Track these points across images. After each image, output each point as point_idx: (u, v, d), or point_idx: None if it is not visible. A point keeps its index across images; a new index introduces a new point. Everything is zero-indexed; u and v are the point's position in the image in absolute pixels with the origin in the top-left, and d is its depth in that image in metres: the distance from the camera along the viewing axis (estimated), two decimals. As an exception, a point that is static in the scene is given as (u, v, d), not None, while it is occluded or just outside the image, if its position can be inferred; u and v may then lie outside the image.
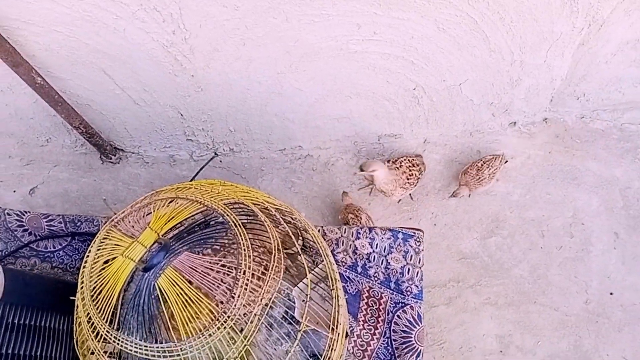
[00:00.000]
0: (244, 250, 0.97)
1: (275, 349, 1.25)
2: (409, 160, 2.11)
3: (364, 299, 1.51)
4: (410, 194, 2.24)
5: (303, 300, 1.20)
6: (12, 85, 1.99)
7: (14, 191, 2.37)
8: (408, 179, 2.07)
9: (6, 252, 1.58)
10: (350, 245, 1.59)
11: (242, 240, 0.98)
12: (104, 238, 1.04)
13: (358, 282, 1.54)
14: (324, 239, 1.55)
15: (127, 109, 2.09)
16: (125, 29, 1.66)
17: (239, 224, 1.00)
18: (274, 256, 1.00)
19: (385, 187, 2.05)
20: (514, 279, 2.20)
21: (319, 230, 1.59)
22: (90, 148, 2.34)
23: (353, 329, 1.45)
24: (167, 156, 2.41)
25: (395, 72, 1.96)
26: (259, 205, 1.17)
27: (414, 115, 2.21)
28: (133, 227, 1.03)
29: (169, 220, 1.01)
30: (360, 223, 2.06)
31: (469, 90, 2.07)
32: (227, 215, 1.02)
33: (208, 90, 1.98)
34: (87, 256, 1.04)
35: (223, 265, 1.00)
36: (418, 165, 2.15)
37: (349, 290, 1.52)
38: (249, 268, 0.96)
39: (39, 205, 2.35)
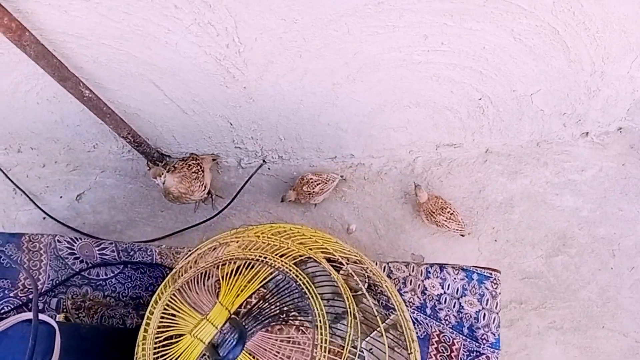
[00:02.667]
0: (320, 324, 0.87)
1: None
2: (182, 160, 2.06)
3: (433, 344, 1.40)
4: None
5: (372, 352, 1.10)
6: (57, 95, 1.94)
7: (61, 197, 2.34)
8: (193, 174, 2.00)
9: (57, 281, 1.53)
10: (419, 285, 1.47)
11: (317, 311, 0.88)
12: (168, 304, 0.96)
13: (427, 324, 1.43)
14: (390, 277, 1.44)
15: (175, 118, 2.01)
16: (177, 42, 1.56)
17: (314, 294, 0.91)
18: (350, 322, 0.91)
19: (179, 190, 1.95)
20: (581, 302, 2.05)
21: (384, 269, 1.48)
22: (137, 154, 2.29)
23: (422, 377, 1.35)
24: (215, 163, 2.33)
25: (460, 82, 1.81)
26: (329, 256, 1.06)
27: (476, 125, 2.06)
28: (198, 295, 0.95)
29: (239, 294, 0.92)
30: (456, 222, 1.95)
31: (541, 101, 1.91)
32: (301, 281, 0.93)
33: (260, 101, 1.88)
34: (148, 320, 0.96)
35: (298, 343, 0.91)
36: (195, 159, 2.09)
37: (417, 333, 1.41)
38: (325, 342, 0.87)
39: (86, 211, 2.32)
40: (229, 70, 1.69)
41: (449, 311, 1.44)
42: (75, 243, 1.58)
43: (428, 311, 1.44)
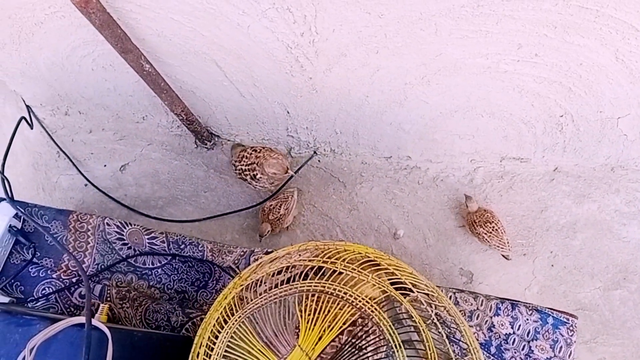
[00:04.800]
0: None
1: None
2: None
3: (493, 385, 1.30)
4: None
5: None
6: (114, 64, 1.86)
7: (105, 165, 2.29)
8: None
9: (103, 266, 1.47)
10: (487, 321, 1.36)
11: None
12: (236, 333, 0.87)
13: (489, 363, 1.33)
14: (456, 308, 1.34)
15: (231, 100, 1.92)
16: (249, 25, 1.45)
17: (398, 344, 0.81)
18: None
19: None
20: (635, 341, 1.93)
21: (450, 297, 1.37)
22: (185, 130, 2.21)
23: (481, 421, 1.25)
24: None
25: (545, 96, 1.66)
26: (407, 291, 0.96)
27: (551, 142, 1.91)
28: (273, 330, 0.86)
29: (321, 337, 0.83)
30: (499, 239, 1.85)
31: (626, 125, 1.75)
32: (384, 326, 0.83)
33: (323, 93, 1.77)
34: (211, 342, 0.87)
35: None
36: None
37: (478, 371, 1.31)
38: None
39: (129, 182, 2.27)
40: (298, 59, 1.58)
41: (515, 353, 1.33)
42: (125, 228, 1.51)
43: (492, 350, 1.34)
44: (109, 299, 1.40)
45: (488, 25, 1.37)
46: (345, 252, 0.96)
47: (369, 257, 0.98)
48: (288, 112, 1.94)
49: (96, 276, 1.45)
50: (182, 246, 1.47)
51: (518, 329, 1.35)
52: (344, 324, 0.85)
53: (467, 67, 1.57)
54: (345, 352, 0.83)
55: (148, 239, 1.49)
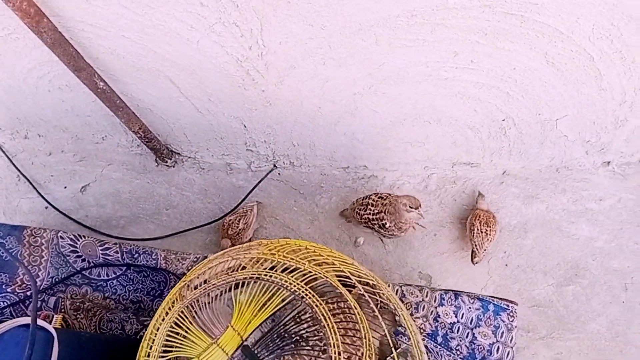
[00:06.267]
0: (335, 355, 0.82)
1: None
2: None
3: (442, 374, 1.35)
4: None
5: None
6: (70, 84, 1.90)
7: (65, 187, 2.29)
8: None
9: (57, 279, 1.47)
10: (432, 311, 1.42)
11: (334, 341, 0.83)
12: (175, 322, 0.90)
13: (437, 353, 1.38)
14: (402, 301, 1.39)
15: (188, 116, 1.96)
16: (199, 40, 1.51)
17: (330, 323, 0.85)
18: (366, 353, 0.85)
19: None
20: (590, 334, 2.00)
21: (396, 291, 1.43)
22: (145, 149, 2.23)
23: (430, 408, 1.29)
24: (224, 164, 2.27)
25: (485, 101, 1.75)
26: (344, 279, 1.01)
27: (496, 146, 2.00)
28: (209, 316, 0.89)
29: (253, 318, 0.87)
30: (483, 242, 1.93)
31: (565, 126, 1.86)
32: (317, 307, 0.87)
33: (277, 106, 1.83)
34: (152, 335, 0.90)
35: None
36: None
37: (427, 361, 1.36)
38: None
39: (90, 203, 2.27)
40: (249, 73, 1.64)
41: (461, 341, 1.38)
42: (79, 241, 1.53)
43: (439, 339, 1.39)
44: (63, 310, 1.40)
45: (424, 34, 1.45)
46: (287, 244, 1.01)
47: (308, 249, 1.03)
48: (245, 126, 1.99)
49: (50, 289, 1.45)
50: (136, 255, 1.49)
51: (462, 318, 1.40)
52: (278, 305, 0.89)
53: (410, 76, 1.65)
54: (281, 330, 0.87)
55: (101, 250, 1.50)
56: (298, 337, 0.87)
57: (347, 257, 1.11)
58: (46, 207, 2.27)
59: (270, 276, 0.92)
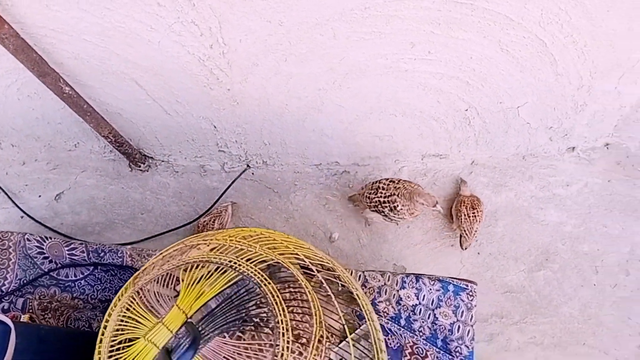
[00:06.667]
0: (283, 331, 0.84)
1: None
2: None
3: (406, 355, 1.37)
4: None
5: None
6: (39, 91, 1.90)
7: (39, 196, 2.29)
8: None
9: (25, 281, 1.48)
10: (394, 295, 1.44)
11: (281, 317, 0.85)
12: (127, 309, 0.92)
13: (400, 335, 1.40)
14: (365, 286, 1.41)
15: (158, 119, 1.98)
16: (159, 41, 1.53)
17: (278, 301, 0.88)
18: (317, 328, 0.87)
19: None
20: (563, 318, 2.03)
21: (359, 277, 1.45)
22: (118, 155, 2.24)
23: (394, 389, 1.31)
24: (198, 166, 2.29)
25: (447, 92, 1.79)
26: (299, 262, 1.03)
27: (462, 136, 2.04)
28: (157, 299, 0.91)
29: (199, 297, 0.89)
30: (471, 225, 1.96)
31: (527, 114, 1.90)
32: (265, 286, 0.89)
33: (244, 104, 1.85)
34: (107, 322, 0.92)
35: (260, 349, 0.88)
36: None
37: (390, 344, 1.38)
38: (288, 350, 0.83)
39: (65, 211, 2.27)
40: (212, 72, 1.67)
41: (423, 322, 1.41)
42: (45, 242, 1.54)
43: (402, 322, 1.41)
44: (30, 310, 1.41)
45: (379, 26, 1.49)
46: (242, 231, 1.03)
47: (263, 234, 1.05)
48: (215, 127, 2.01)
49: (19, 290, 1.46)
50: (102, 254, 1.50)
51: (423, 299, 1.43)
52: (225, 284, 0.91)
53: (371, 69, 1.68)
54: (227, 307, 0.89)
55: (68, 250, 1.51)
56: (244, 315, 0.89)
57: (303, 242, 1.13)
58: (22, 217, 2.27)
59: (220, 259, 0.95)
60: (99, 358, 0.89)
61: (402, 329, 1.40)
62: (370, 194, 1.95)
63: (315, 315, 0.89)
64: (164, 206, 2.27)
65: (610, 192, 2.15)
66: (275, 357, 0.83)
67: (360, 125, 1.98)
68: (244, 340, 0.89)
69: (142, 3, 1.40)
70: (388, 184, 1.90)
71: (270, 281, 0.91)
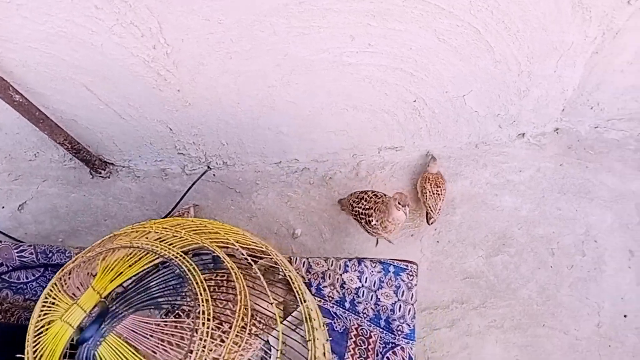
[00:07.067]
0: (203, 310, 0.87)
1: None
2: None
3: (351, 338, 1.40)
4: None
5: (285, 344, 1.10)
6: (-7, 101, 1.91)
7: (3, 207, 2.30)
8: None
9: (-24, 285, 1.50)
10: (338, 279, 1.47)
11: (201, 297, 0.88)
12: (48, 295, 0.95)
13: (346, 318, 1.43)
14: (309, 272, 1.44)
15: (113, 124, 2.00)
16: (102, 44, 1.56)
17: (198, 280, 0.90)
18: (239, 312, 0.90)
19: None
20: (522, 300, 2.07)
21: (303, 264, 1.48)
22: (79, 162, 2.26)
23: (339, 371, 1.34)
24: (159, 170, 2.31)
25: (393, 84, 1.84)
26: (228, 248, 1.06)
27: (415, 128, 2.09)
28: (75, 283, 0.94)
29: (115, 278, 0.91)
30: (436, 202, 2.02)
31: (474, 102, 1.95)
32: (185, 266, 0.92)
33: (196, 105, 1.88)
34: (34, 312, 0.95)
35: (179, 328, 0.90)
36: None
37: (336, 327, 1.41)
38: (208, 328, 0.86)
39: (28, 221, 2.28)
40: (159, 73, 1.69)
41: (367, 304, 1.44)
42: (-5, 246, 1.55)
43: (347, 305, 1.44)
44: (-20, 312, 1.43)
45: (316, 20, 1.53)
46: (175, 220, 1.06)
47: (194, 222, 1.08)
48: (171, 129, 2.03)
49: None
50: (50, 254, 1.52)
51: (365, 282, 1.47)
52: (143, 266, 0.94)
53: (316, 64, 1.72)
54: (143, 287, 0.92)
55: (17, 252, 1.53)
56: (162, 294, 0.92)
57: (238, 228, 1.16)
58: (-14, 229, 2.28)
59: (141, 243, 0.97)
60: (28, 343, 0.91)
61: (347, 312, 1.43)
62: (353, 202, 1.98)
63: (240, 300, 0.92)
64: (127, 211, 2.28)
65: (562, 176, 2.20)
66: (194, 339, 0.85)
67: (314, 121, 2.02)
68: (164, 317, 0.92)
69: (80, 7, 1.42)
70: (371, 197, 1.92)
71: (192, 263, 0.94)
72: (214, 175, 2.32)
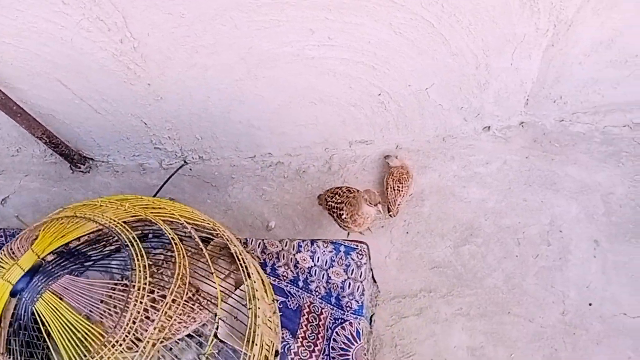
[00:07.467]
0: (139, 273, 0.93)
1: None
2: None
3: (304, 315, 1.46)
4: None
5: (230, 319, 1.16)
6: (-27, 97, 1.99)
7: (-14, 201, 2.37)
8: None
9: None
10: (292, 258, 1.54)
11: (138, 262, 0.94)
12: None
13: (299, 297, 1.49)
14: (264, 253, 1.51)
15: (90, 118, 2.07)
16: (72, 39, 1.64)
17: (135, 243, 0.97)
18: (178, 277, 0.96)
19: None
20: (488, 289, 2.12)
21: (259, 245, 1.55)
22: (60, 158, 2.33)
23: (290, 347, 1.39)
24: (137, 165, 2.38)
25: (356, 77, 1.90)
26: (174, 222, 1.13)
27: (382, 121, 2.15)
28: (19, 247, 1.00)
29: (54, 241, 0.98)
30: (395, 197, 2.07)
31: (436, 95, 2.01)
32: (123, 233, 0.98)
33: (168, 99, 1.95)
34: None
35: (114, 288, 0.96)
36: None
37: (290, 305, 1.47)
38: (144, 291, 0.92)
39: (11, 215, 2.35)
40: (128, 67, 1.77)
41: (319, 282, 1.50)
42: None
43: (300, 284, 1.51)
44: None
45: (275, 14, 1.59)
46: (123, 196, 1.13)
47: (143, 199, 1.15)
48: (145, 124, 2.10)
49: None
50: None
51: (317, 261, 1.53)
52: (83, 233, 1.00)
53: (280, 58, 1.79)
54: (81, 251, 0.98)
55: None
56: (98, 259, 0.98)
57: (188, 207, 1.23)
58: (-30, 223, 2.35)
59: (84, 214, 1.04)
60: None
61: (301, 290, 1.49)
62: (328, 197, 2.05)
63: (178, 268, 0.98)
64: (107, 205, 2.35)
65: (528, 168, 2.26)
66: (129, 299, 0.91)
67: (283, 114, 2.08)
68: (98, 281, 0.98)
69: (49, 2, 1.50)
70: (344, 192, 1.99)
71: (132, 232, 1.00)
72: (190, 169, 2.39)
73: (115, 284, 0.97)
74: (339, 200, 1.97)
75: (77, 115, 2.05)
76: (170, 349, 1.18)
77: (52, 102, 1.97)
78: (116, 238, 0.99)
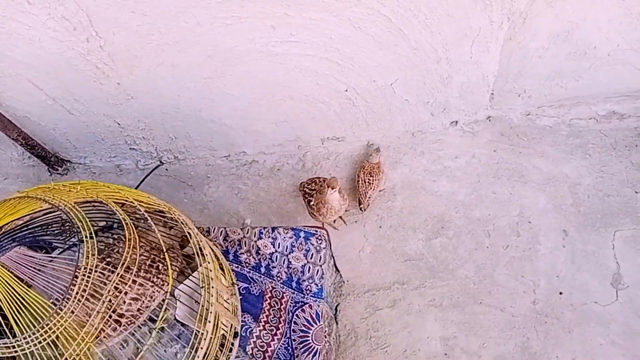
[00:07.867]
0: (88, 248, 0.96)
1: (165, 351, 1.25)
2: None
3: (266, 300, 1.49)
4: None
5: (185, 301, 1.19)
6: (-52, 100, 2.03)
7: (-35, 205, 2.40)
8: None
9: None
10: (253, 245, 1.57)
11: (86, 239, 0.97)
12: None
13: (262, 282, 1.53)
14: (226, 240, 1.54)
15: (63, 120, 2.11)
16: (39, 38, 1.68)
17: (83, 220, 1.00)
18: (127, 255, 0.99)
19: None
20: (459, 280, 2.15)
21: (221, 233, 1.58)
22: (38, 160, 2.37)
23: (252, 330, 1.42)
24: (114, 166, 2.42)
25: (322, 74, 1.95)
26: (126, 204, 1.17)
27: (352, 118, 2.20)
28: None
29: (4, 217, 1.01)
30: (365, 190, 2.12)
31: (402, 90, 2.06)
32: (72, 212, 1.02)
33: (139, 98, 2.00)
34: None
35: (66, 263, 1.00)
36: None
37: (253, 291, 1.50)
38: (92, 266, 0.95)
39: (-11, 218, 2.38)
40: (97, 66, 1.81)
41: (280, 268, 1.54)
42: None
43: (262, 270, 1.54)
44: None
45: (235, 10, 1.64)
46: (78, 182, 1.17)
47: (98, 184, 1.19)
48: (119, 124, 2.15)
49: None
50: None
51: (278, 247, 1.57)
52: (32, 211, 1.04)
53: (245, 55, 1.84)
54: (30, 227, 1.02)
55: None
56: (52, 234, 1.01)
57: (142, 192, 1.27)
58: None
59: (36, 194, 1.08)
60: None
61: (263, 276, 1.52)
62: (306, 184, 2.12)
63: (128, 245, 1.02)
64: (84, 206, 2.38)
65: (497, 161, 2.30)
66: (77, 273, 0.94)
67: (254, 112, 2.13)
68: (47, 255, 1.02)
69: (14, 2, 1.55)
70: (320, 181, 2.06)
71: (81, 211, 1.03)
72: (166, 169, 2.42)
73: (60, 257, 1.01)
74: (313, 188, 2.05)
75: (52, 116, 2.09)
76: (133, 334, 1.21)
77: (26, 104, 2.02)
78: (64, 216, 1.02)
